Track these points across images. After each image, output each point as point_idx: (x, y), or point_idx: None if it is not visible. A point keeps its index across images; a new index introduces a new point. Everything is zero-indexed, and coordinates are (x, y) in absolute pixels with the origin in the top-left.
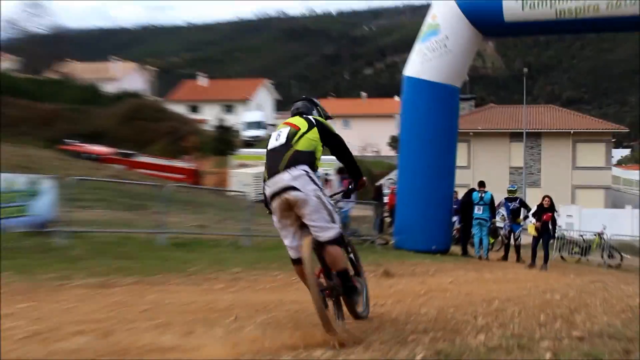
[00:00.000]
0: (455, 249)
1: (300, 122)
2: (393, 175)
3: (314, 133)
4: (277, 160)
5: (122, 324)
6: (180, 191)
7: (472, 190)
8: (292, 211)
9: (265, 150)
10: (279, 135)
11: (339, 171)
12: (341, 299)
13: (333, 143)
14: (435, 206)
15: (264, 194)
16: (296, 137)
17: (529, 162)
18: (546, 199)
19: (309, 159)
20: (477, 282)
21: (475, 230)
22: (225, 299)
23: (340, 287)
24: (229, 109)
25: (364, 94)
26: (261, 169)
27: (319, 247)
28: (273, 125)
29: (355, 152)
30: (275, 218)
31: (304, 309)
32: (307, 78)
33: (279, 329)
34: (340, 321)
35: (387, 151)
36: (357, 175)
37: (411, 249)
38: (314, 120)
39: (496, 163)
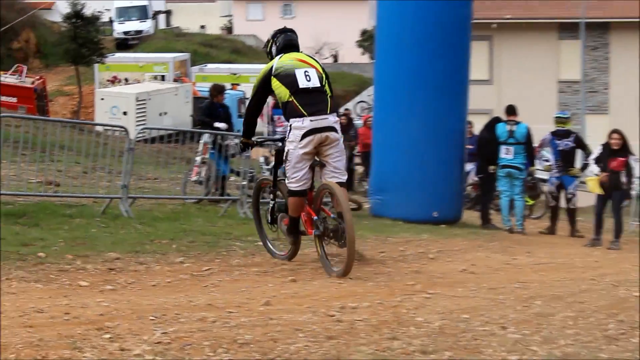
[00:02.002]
0: (471, 216)
1: (316, 64)
2: (366, 96)
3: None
4: (322, 102)
5: None
6: (11, 125)
7: (497, 120)
8: (316, 149)
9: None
10: (307, 75)
11: (215, 91)
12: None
13: (330, 89)
14: (435, 148)
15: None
16: (324, 82)
17: (590, 72)
18: (615, 135)
19: None
20: (507, 271)
21: (502, 187)
22: (95, 304)
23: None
24: None
25: None
26: (150, 86)
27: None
28: (165, 12)
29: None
30: (301, 150)
31: (226, 318)
32: None
33: (187, 352)
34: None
35: (356, 56)
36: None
37: (398, 218)
38: (322, 65)
39: (536, 74)
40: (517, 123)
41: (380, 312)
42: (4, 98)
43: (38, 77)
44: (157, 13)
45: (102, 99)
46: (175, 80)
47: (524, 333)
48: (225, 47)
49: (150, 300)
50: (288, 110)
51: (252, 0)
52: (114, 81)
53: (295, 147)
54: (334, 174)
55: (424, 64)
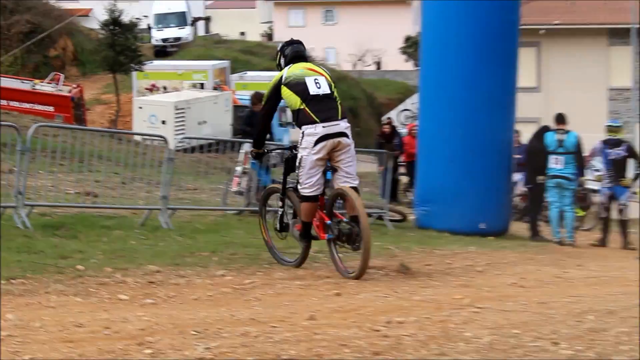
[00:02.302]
0: (519, 228)
1: (324, 72)
2: (411, 104)
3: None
4: (333, 109)
5: None
6: (49, 134)
7: (546, 129)
8: (328, 155)
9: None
10: (316, 82)
11: (256, 99)
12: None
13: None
14: (482, 157)
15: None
16: (334, 89)
17: None
18: None
19: None
20: (558, 284)
21: (552, 197)
22: (136, 318)
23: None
24: None
25: None
26: (189, 94)
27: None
28: (204, 19)
29: (347, 66)
30: (315, 156)
31: (269, 333)
32: None
33: None
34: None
35: (400, 63)
36: None
37: (444, 229)
38: (330, 74)
39: (586, 82)
40: (567, 132)
41: (427, 327)
42: (38, 106)
43: (75, 86)
44: (196, 20)
45: (141, 107)
46: (214, 89)
47: (576, 349)
48: (266, 54)
49: (192, 314)
50: (300, 118)
51: (293, 6)
52: (152, 89)
53: (308, 154)
54: (346, 178)
55: (471, 71)
